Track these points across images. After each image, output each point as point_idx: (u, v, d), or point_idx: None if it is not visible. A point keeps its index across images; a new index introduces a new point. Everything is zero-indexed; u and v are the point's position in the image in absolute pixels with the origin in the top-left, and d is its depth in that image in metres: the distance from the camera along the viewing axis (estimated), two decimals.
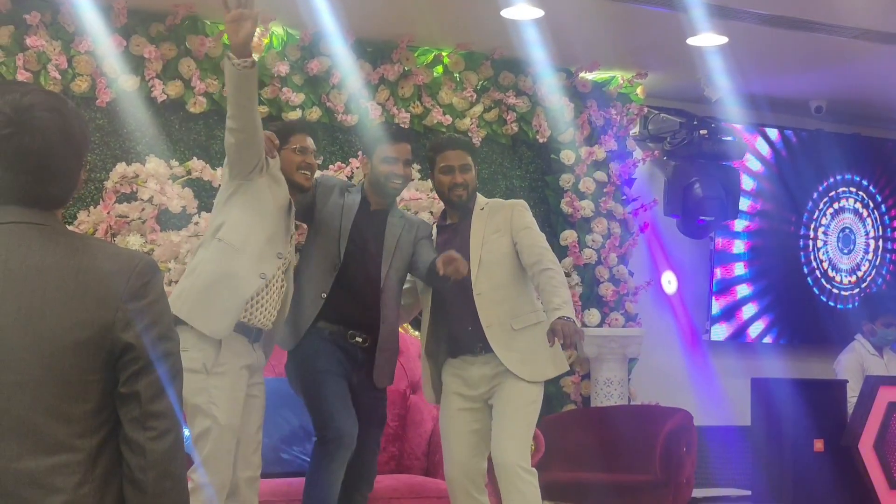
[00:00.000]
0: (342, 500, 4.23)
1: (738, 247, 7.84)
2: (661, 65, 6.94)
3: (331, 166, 6.21)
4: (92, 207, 5.68)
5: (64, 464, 1.85)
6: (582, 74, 6.95)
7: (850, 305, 8.13)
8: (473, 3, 5.97)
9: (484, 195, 4.69)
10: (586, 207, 6.90)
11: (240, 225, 4.00)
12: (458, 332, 4.41)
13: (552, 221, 6.92)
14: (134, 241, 5.50)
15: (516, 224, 4.40)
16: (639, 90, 7.18)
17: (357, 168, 6.07)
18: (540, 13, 5.94)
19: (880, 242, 8.42)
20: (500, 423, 4.28)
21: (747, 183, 7.77)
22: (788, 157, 7.98)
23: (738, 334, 7.81)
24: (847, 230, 8.28)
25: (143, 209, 5.65)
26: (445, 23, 6.23)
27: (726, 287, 7.78)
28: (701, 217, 7.28)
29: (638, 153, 7.23)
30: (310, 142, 4.31)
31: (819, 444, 6.47)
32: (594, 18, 6.00)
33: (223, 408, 3.91)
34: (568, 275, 6.72)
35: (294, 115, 6.09)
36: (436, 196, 4.88)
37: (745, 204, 7.72)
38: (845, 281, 8.26)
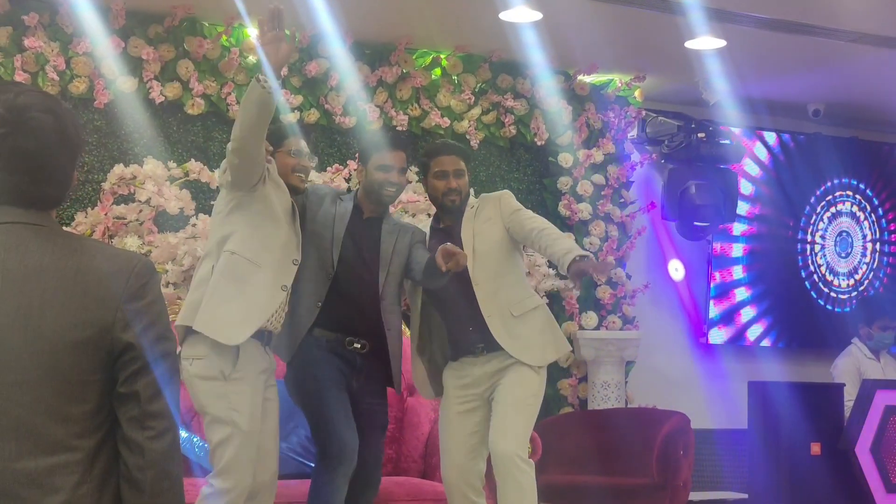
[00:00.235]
0: None
1: (737, 251, 7.85)
2: (659, 68, 6.94)
3: (328, 168, 6.22)
4: (89, 209, 5.67)
5: (63, 464, 1.85)
6: (580, 77, 6.95)
7: (848, 309, 8.14)
8: (472, 6, 5.97)
9: None
10: (584, 210, 6.90)
11: (252, 237, 4.01)
12: (457, 334, 4.43)
13: None
14: (131, 243, 5.50)
15: (505, 210, 4.43)
16: (637, 93, 7.18)
17: (355, 170, 6.07)
18: (538, 16, 5.94)
19: (877, 246, 8.43)
20: (500, 414, 4.29)
21: (745, 187, 7.78)
22: (786, 160, 7.98)
23: (737, 338, 7.82)
24: (844, 234, 8.28)
25: (140, 210, 5.65)
26: (444, 25, 6.23)
27: (724, 291, 7.79)
28: (696, 223, 7.30)
29: (636, 156, 7.23)
30: (303, 144, 4.32)
31: (816, 448, 6.47)
32: (592, 21, 6.00)
33: (244, 413, 3.92)
34: (565, 277, 6.73)
35: (292, 118, 6.09)
36: None
37: (743, 208, 7.74)
38: (843, 284, 8.26)
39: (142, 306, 1.92)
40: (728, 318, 7.80)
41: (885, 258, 8.45)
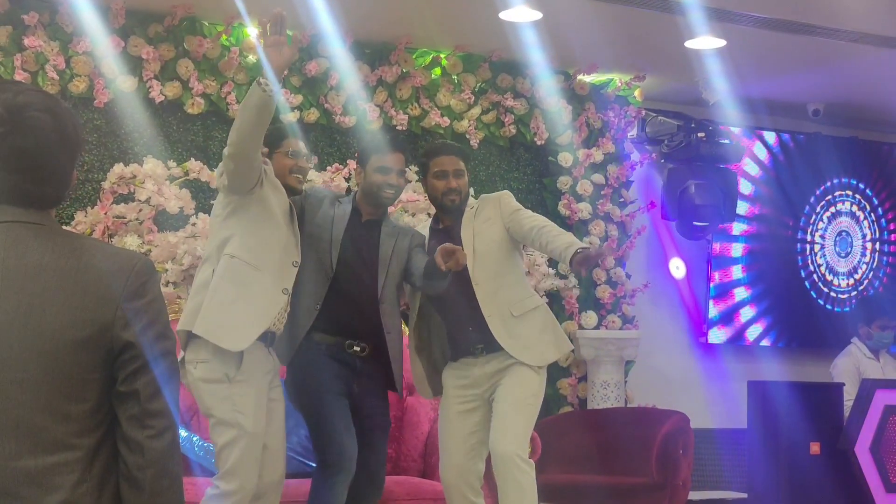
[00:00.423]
0: None
1: (736, 250, 7.85)
2: (659, 67, 6.94)
3: (328, 168, 6.22)
4: (89, 208, 5.67)
5: (62, 462, 1.85)
6: (580, 77, 6.95)
7: (847, 308, 8.14)
8: (472, 5, 5.97)
9: None
10: (584, 210, 6.90)
11: (252, 241, 4.01)
12: (457, 334, 4.44)
13: None
14: (131, 242, 5.50)
15: (505, 210, 4.43)
16: (637, 93, 7.18)
17: (354, 170, 6.07)
18: (538, 15, 5.94)
19: (877, 245, 8.43)
20: (500, 414, 4.29)
21: (745, 187, 7.78)
22: (786, 160, 7.98)
23: (736, 337, 7.82)
24: (844, 233, 8.28)
25: (140, 210, 5.65)
26: (443, 25, 6.23)
27: (724, 290, 7.79)
28: (695, 222, 7.30)
29: (636, 156, 7.23)
30: (302, 145, 4.32)
31: (815, 448, 6.47)
32: (592, 21, 6.00)
33: (249, 415, 3.92)
34: (565, 276, 6.74)
35: (292, 117, 6.09)
36: None
37: (742, 208, 7.74)
38: (842, 284, 8.26)
39: (141, 305, 1.92)
40: (728, 317, 7.80)
41: (885, 258, 8.45)
